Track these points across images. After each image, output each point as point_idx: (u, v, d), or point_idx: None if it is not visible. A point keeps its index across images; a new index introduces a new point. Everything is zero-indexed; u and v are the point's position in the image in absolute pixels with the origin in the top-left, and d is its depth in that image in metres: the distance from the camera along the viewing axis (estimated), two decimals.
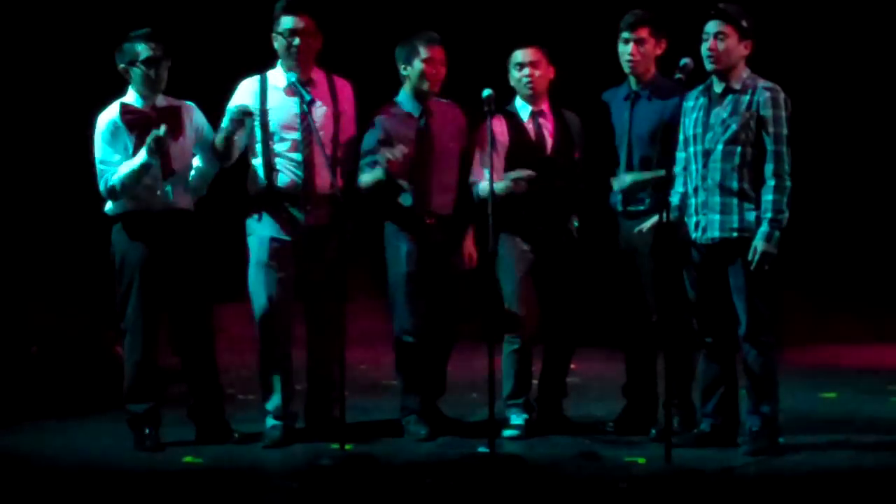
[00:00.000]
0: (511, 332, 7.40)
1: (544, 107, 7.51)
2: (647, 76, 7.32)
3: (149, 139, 7.02)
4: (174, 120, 7.23)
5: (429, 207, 7.43)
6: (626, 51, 7.28)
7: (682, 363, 7.08)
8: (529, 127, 7.47)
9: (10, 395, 8.43)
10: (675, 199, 7.04)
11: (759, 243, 6.80)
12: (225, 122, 7.24)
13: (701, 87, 7.03)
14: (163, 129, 7.03)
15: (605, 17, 7.38)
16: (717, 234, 6.91)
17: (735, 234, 6.88)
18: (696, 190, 6.97)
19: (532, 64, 7.41)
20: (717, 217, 6.90)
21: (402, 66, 7.46)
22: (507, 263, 7.42)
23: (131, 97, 7.25)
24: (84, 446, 7.37)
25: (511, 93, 7.50)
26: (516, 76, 7.45)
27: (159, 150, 7.05)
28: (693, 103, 7.03)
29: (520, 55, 7.43)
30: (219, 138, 7.26)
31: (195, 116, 7.34)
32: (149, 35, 7.20)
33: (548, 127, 7.48)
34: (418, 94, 7.45)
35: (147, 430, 7.21)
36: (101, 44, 7.67)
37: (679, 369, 7.07)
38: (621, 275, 7.36)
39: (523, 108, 7.49)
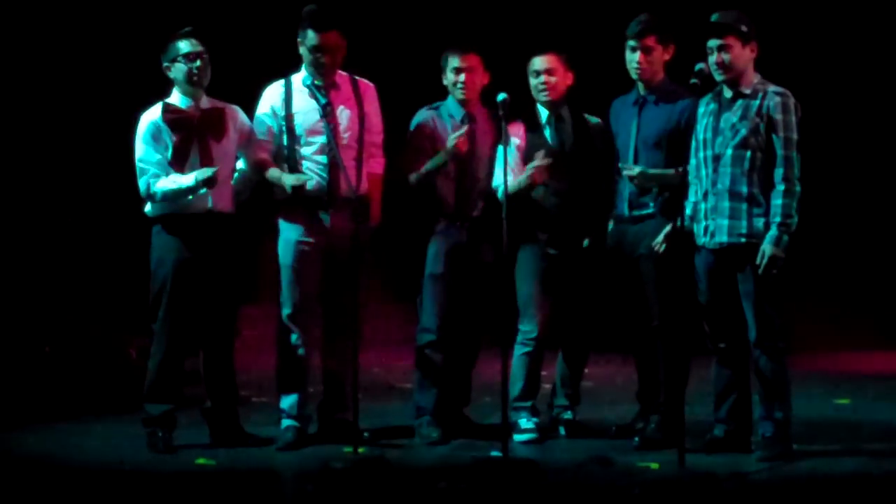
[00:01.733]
0: None
1: (563, 112, 7.51)
2: (654, 81, 7.31)
3: (200, 174, 7.04)
4: (218, 122, 7.26)
5: (466, 210, 7.47)
6: (633, 59, 7.27)
7: (677, 368, 7.02)
8: (547, 131, 7.49)
9: (22, 395, 8.44)
10: (687, 209, 7.03)
11: (767, 247, 6.79)
12: (287, 182, 7.18)
13: (711, 94, 7.03)
14: (213, 170, 7.05)
15: (627, 20, 7.35)
16: (725, 238, 6.90)
17: (743, 240, 6.87)
18: (705, 195, 6.96)
19: (549, 71, 7.44)
20: (725, 222, 6.89)
21: (442, 77, 7.55)
22: (525, 265, 7.44)
23: (175, 98, 7.28)
24: (96, 447, 7.38)
25: (533, 99, 7.52)
26: (533, 83, 7.48)
27: (207, 185, 7.07)
28: (704, 109, 7.02)
29: (537, 62, 7.47)
30: (273, 175, 7.26)
31: (240, 119, 7.35)
32: (189, 33, 7.24)
33: (566, 131, 7.49)
34: (460, 101, 7.51)
35: (160, 433, 7.22)
36: (139, 48, 7.70)
37: (673, 374, 7.04)
38: (624, 279, 7.34)
39: (542, 113, 7.51)
